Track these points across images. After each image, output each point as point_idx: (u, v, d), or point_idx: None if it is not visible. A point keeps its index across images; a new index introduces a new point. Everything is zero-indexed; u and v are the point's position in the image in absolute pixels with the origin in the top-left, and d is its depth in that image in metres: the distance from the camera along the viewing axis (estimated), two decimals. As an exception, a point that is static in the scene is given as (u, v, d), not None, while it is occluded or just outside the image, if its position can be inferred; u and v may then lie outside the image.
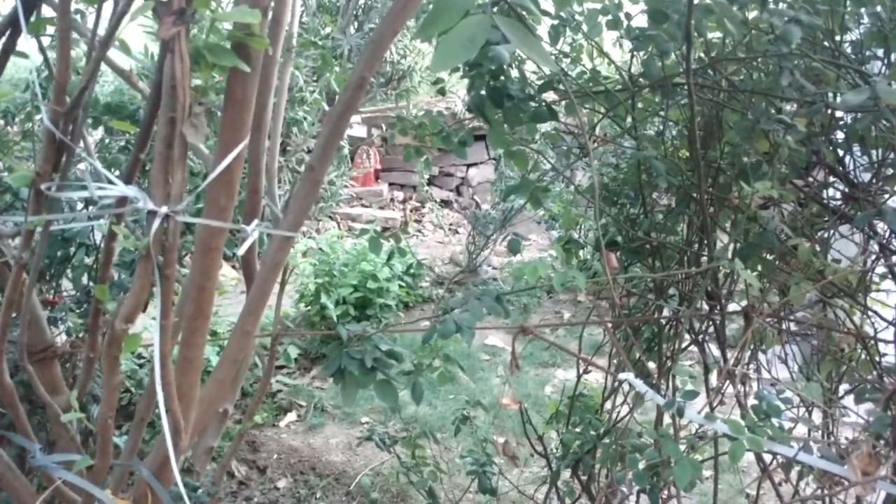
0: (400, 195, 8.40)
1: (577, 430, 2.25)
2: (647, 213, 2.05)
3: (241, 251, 1.42)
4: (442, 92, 2.11)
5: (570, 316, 5.99)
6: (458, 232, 7.88)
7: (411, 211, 8.17)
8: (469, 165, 8.45)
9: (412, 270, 5.73)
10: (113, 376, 1.51)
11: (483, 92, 1.63)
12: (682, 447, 1.51)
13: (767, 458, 1.93)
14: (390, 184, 8.49)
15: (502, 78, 1.60)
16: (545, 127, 2.40)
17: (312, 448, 4.09)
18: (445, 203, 8.20)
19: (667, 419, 2.24)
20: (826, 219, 2.05)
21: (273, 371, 2.19)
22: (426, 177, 7.77)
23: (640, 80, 1.91)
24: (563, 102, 1.80)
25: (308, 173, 1.68)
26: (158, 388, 1.34)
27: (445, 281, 6.68)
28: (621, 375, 1.64)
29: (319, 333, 4.99)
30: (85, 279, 2.42)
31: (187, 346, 1.52)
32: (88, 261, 2.43)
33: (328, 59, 2.58)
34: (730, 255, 1.82)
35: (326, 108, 5.32)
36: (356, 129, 7.80)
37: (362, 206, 8.26)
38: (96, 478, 1.62)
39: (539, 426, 4.39)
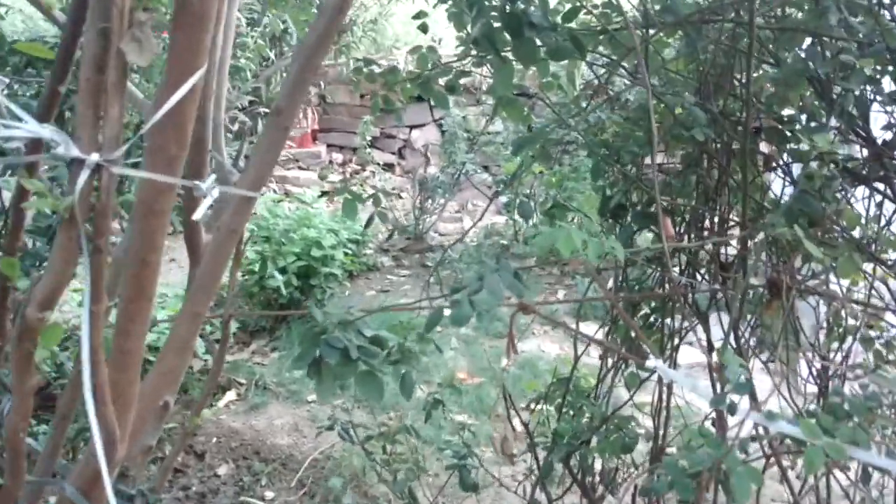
0: (339, 157, 8.01)
1: (569, 415, 2.00)
2: (661, 172, 1.79)
3: (196, 215, 1.10)
4: (424, 29, 1.80)
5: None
6: (400, 197, 7.57)
7: (351, 175, 7.80)
8: (412, 127, 8.10)
9: (357, 237, 5.40)
10: (25, 376, 1.18)
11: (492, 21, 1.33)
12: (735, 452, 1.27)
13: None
14: (329, 145, 8.07)
15: (520, 2, 1.30)
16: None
17: (255, 430, 3.76)
18: (388, 166, 7.85)
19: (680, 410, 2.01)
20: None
21: (224, 356, 1.87)
22: (368, 138, 7.39)
23: (659, 17, 1.64)
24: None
25: (273, 118, 1.36)
26: (87, 391, 1.02)
27: (391, 248, 6.38)
28: (649, 363, 1.39)
29: (282, 314, 4.64)
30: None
31: (124, 336, 1.19)
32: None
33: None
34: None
35: (272, 56, 4.89)
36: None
37: (299, 168, 7.83)
38: (6, 502, 1.29)
39: (495, 400, 4.18)
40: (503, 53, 1.37)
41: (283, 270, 4.62)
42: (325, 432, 3.77)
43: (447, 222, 6.86)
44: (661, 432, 1.89)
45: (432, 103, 7.24)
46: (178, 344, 1.39)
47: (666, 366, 1.41)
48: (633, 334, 2.07)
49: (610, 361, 2.17)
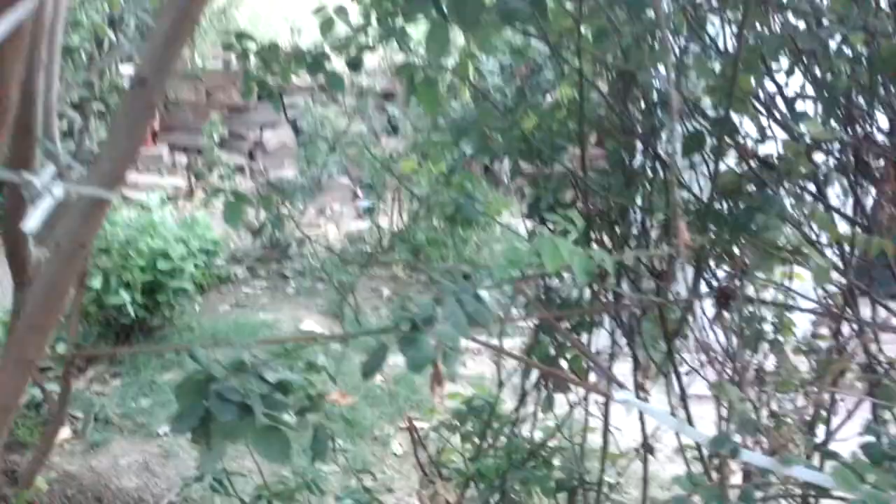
0: (183, 159, 7.37)
1: (491, 448, 1.74)
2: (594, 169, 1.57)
3: (29, 224, 0.73)
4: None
5: (390, 293, 5.48)
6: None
7: (197, 178, 7.18)
8: (263, 127, 7.59)
9: (208, 247, 4.89)
10: None
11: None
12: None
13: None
14: (171, 146, 7.40)
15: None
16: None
17: (96, 472, 3.24)
18: (238, 169, 7.30)
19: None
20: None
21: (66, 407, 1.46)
22: (216, 139, 6.83)
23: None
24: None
25: (137, 90, 1.01)
26: None
27: (245, 258, 5.89)
28: (618, 396, 1.14)
29: (154, 349, 4.06)
30: None
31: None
32: None
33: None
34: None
35: (112, 36, 4.30)
36: (125, 80, 6.64)
37: (138, 171, 7.12)
38: None
39: (372, 421, 3.86)
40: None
41: (125, 286, 4.07)
42: (179, 469, 3.34)
43: (307, 228, 6.44)
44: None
45: (285, 102, 6.73)
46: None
47: (634, 399, 1.17)
48: (553, 353, 1.84)
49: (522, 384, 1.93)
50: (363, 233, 6.19)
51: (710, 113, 1.61)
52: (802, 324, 1.88)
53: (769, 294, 1.69)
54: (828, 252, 1.51)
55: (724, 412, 1.51)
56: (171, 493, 3.13)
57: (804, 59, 1.24)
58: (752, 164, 1.52)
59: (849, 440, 1.81)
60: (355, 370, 3.78)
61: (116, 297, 3.94)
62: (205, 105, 7.19)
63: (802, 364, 1.86)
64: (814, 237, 1.56)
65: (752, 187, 1.57)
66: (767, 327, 1.75)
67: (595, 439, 1.89)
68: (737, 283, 1.58)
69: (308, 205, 5.80)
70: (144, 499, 3.11)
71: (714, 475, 1.68)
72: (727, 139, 1.50)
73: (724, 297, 1.56)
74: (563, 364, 1.84)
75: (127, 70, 6.14)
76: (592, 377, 1.98)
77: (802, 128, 1.26)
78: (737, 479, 1.71)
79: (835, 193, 1.60)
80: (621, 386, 1.18)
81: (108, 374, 4.08)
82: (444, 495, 1.39)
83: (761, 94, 1.54)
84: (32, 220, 0.73)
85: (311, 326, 4.75)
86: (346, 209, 7.08)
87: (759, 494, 1.17)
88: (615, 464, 1.71)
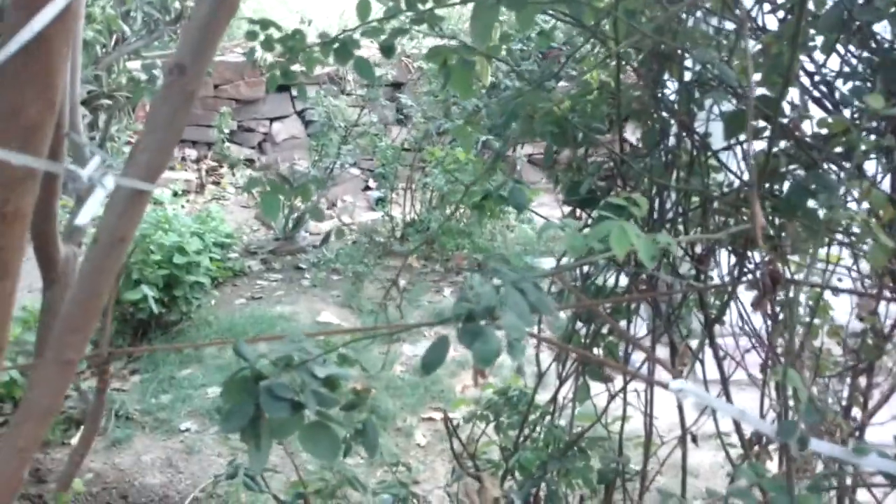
0: (193, 153, 7.34)
1: (530, 440, 1.70)
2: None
3: (82, 218, 0.70)
4: None
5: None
6: (263, 194, 7.01)
7: (207, 172, 7.15)
8: (273, 120, 7.55)
9: (223, 240, 4.87)
10: None
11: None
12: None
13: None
14: (180, 140, 7.36)
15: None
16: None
17: (120, 470, 3.22)
18: (248, 162, 7.27)
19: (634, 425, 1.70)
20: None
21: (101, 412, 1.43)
22: (226, 132, 6.79)
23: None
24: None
25: (175, 79, 0.97)
26: None
27: (259, 251, 5.86)
28: (673, 385, 1.10)
29: (167, 349, 4.04)
30: None
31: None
32: None
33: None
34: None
35: (126, 28, 4.25)
36: (139, 73, 6.59)
37: (147, 166, 7.09)
38: None
39: (394, 412, 3.83)
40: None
41: (139, 282, 4.04)
42: (203, 465, 3.32)
43: (319, 221, 6.41)
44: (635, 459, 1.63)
45: (294, 93, 6.74)
46: (36, 409, 0.97)
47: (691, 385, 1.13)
48: (588, 342, 1.80)
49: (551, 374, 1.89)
50: (376, 223, 6.15)
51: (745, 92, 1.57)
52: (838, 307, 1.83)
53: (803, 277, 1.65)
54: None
55: (773, 398, 1.47)
56: (195, 489, 3.11)
57: (859, 32, 1.19)
58: (799, 142, 1.47)
59: (884, 424, 1.78)
60: (375, 361, 3.75)
61: (133, 293, 3.91)
62: (213, 98, 7.14)
63: (836, 348, 1.82)
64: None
65: (790, 167, 1.53)
66: (802, 311, 1.70)
67: (629, 428, 1.85)
68: (780, 266, 1.53)
69: (320, 196, 5.75)
70: (169, 495, 3.10)
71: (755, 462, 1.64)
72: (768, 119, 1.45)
73: (770, 281, 1.52)
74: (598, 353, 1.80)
75: (133, 65, 6.10)
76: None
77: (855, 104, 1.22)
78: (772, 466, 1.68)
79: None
80: (675, 373, 1.14)
81: (126, 370, 4.06)
82: (490, 489, 1.36)
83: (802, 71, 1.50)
84: (84, 214, 0.70)
85: (328, 318, 4.72)
86: (357, 200, 7.05)
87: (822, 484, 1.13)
88: (657, 453, 1.67)
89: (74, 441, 3.41)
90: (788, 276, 1.64)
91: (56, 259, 1.36)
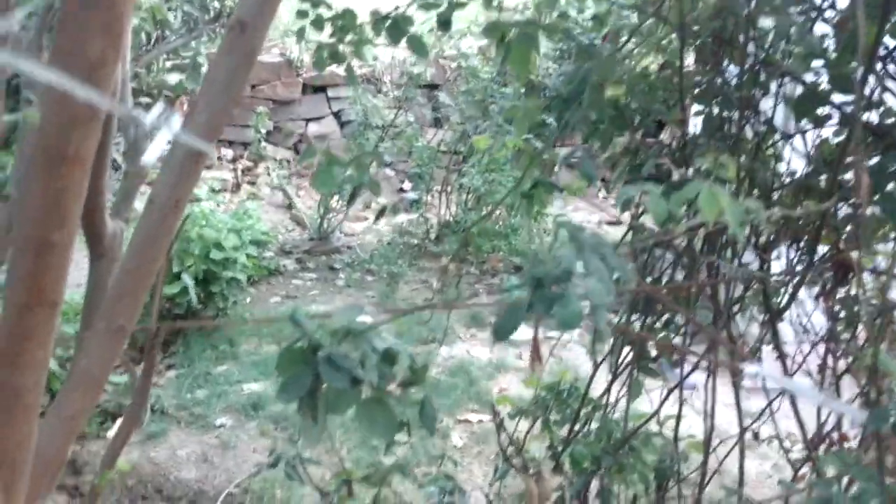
0: (229, 153, 7.37)
1: (585, 434, 1.64)
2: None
3: (148, 158, 0.63)
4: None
5: (439, 285, 5.39)
6: (298, 195, 7.02)
7: (243, 171, 7.18)
8: (308, 121, 7.56)
9: (259, 238, 4.86)
10: None
11: None
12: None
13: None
14: (218, 140, 7.39)
15: None
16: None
17: (155, 463, 3.20)
18: (285, 162, 7.28)
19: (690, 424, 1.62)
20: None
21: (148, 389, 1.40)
22: (262, 132, 6.81)
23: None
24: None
25: (235, 36, 0.93)
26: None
27: (294, 250, 5.85)
28: (748, 370, 1.04)
29: (214, 325, 4.05)
30: None
31: (13, 368, 0.74)
32: None
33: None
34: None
35: (171, 18, 4.26)
36: (174, 74, 6.64)
37: (184, 166, 7.13)
38: None
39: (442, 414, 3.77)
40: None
41: (178, 275, 4.05)
42: (238, 461, 3.29)
43: (353, 221, 6.40)
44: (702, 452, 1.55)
45: (330, 95, 6.70)
46: (86, 378, 0.93)
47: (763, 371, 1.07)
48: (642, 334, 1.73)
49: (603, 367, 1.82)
50: (411, 224, 6.11)
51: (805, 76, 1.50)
52: None
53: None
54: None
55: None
56: (230, 484, 3.08)
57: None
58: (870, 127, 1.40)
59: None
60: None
61: (172, 286, 3.91)
62: (250, 98, 7.16)
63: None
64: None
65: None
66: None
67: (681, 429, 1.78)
68: (853, 254, 1.46)
69: (358, 196, 5.72)
70: (204, 490, 3.07)
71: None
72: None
73: (840, 270, 1.44)
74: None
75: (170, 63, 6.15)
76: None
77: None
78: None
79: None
80: (748, 356, 1.07)
81: (162, 365, 4.06)
82: (549, 480, 1.30)
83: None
84: (151, 153, 0.66)
85: (363, 319, 4.67)
86: (390, 202, 7.02)
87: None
88: (715, 451, 1.60)
89: (111, 434, 3.40)
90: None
91: (104, 233, 1.33)
